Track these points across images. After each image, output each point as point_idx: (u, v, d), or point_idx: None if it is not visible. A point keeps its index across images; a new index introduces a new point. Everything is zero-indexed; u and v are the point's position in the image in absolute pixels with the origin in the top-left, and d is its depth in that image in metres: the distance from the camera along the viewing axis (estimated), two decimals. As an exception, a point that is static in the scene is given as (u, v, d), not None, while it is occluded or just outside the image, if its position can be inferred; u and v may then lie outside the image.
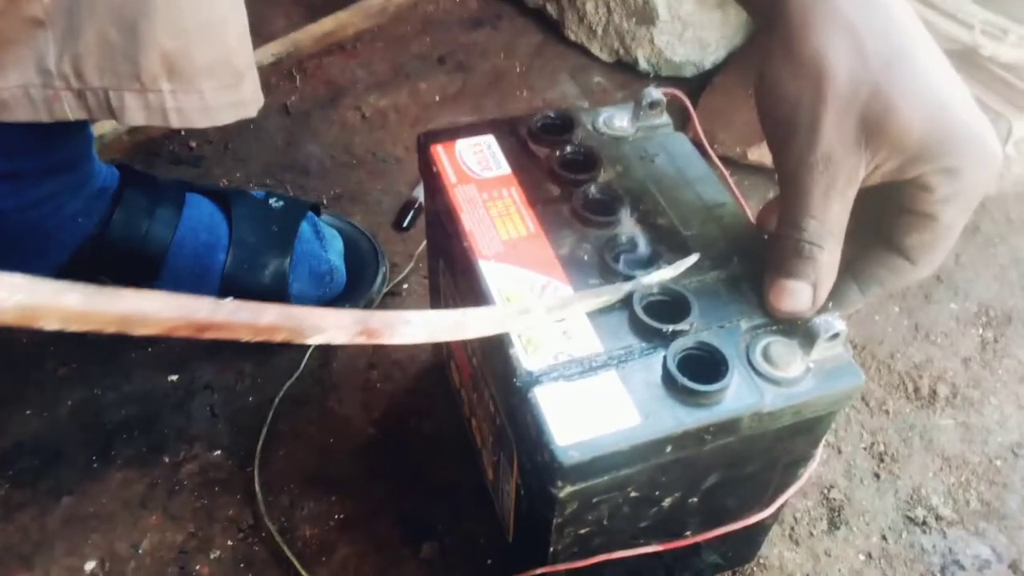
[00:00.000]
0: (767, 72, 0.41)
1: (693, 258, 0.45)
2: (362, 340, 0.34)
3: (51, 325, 0.25)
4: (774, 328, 0.42)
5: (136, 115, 0.53)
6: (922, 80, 0.39)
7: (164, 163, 0.89)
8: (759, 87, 0.42)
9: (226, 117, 0.56)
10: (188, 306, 0.27)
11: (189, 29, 0.51)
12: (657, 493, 0.43)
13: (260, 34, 1.02)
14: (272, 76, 0.99)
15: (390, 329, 0.35)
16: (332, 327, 0.32)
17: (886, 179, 0.40)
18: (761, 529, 0.56)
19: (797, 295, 0.42)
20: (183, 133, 0.92)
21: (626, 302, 0.42)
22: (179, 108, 0.53)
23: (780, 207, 0.42)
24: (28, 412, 0.67)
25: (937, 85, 0.39)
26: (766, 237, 0.47)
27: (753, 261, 0.46)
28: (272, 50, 1.00)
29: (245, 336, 0.29)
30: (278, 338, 0.31)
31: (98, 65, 0.50)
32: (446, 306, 0.58)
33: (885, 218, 0.42)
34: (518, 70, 1.06)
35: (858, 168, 0.39)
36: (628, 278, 0.44)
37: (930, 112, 0.38)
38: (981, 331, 0.79)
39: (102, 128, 0.85)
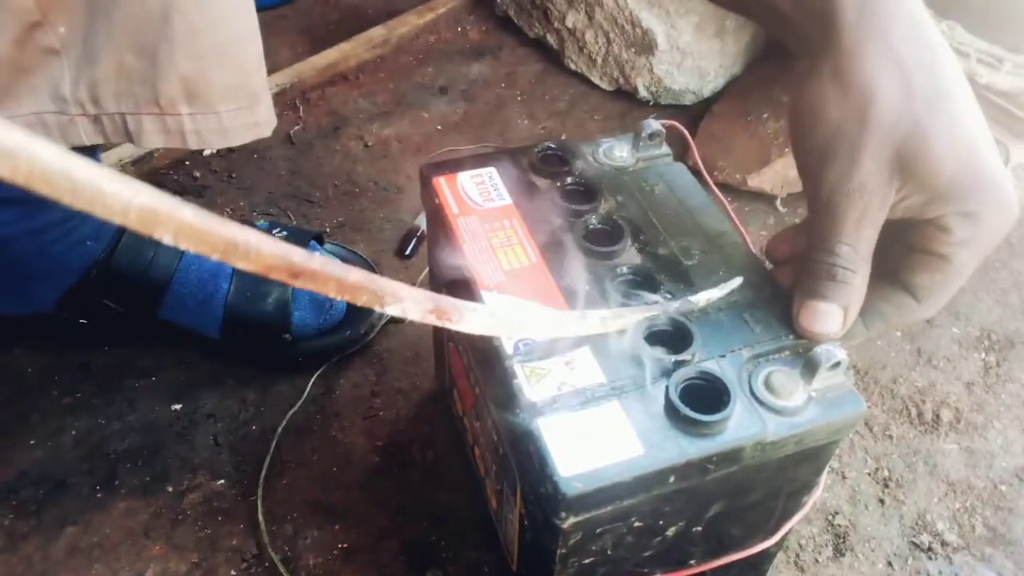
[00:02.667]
0: (810, 94, 0.41)
1: (738, 280, 0.45)
2: (432, 319, 0.35)
3: (166, 235, 0.25)
4: (776, 357, 0.43)
5: (154, 139, 0.53)
6: (959, 122, 0.39)
7: (169, 192, 0.89)
8: (797, 108, 0.42)
9: (242, 138, 0.56)
10: (286, 249, 0.28)
11: (208, 53, 0.51)
12: (661, 523, 0.43)
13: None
14: (276, 106, 1.00)
15: (458, 313, 0.36)
16: (409, 299, 0.33)
17: (907, 215, 0.41)
18: (766, 557, 0.56)
19: (829, 317, 0.42)
20: (187, 164, 0.92)
21: (630, 332, 0.43)
22: (197, 130, 0.54)
23: (810, 231, 0.43)
24: (32, 441, 0.67)
25: (971, 129, 0.39)
26: (774, 266, 0.48)
27: (754, 290, 0.46)
28: (276, 81, 1.01)
29: (331, 291, 0.30)
30: (360, 299, 0.32)
31: (115, 91, 0.51)
32: (448, 334, 0.59)
33: (895, 255, 0.43)
34: (519, 99, 1.07)
35: (888, 199, 0.40)
36: (652, 301, 0.44)
37: (962, 155, 0.39)
38: (984, 355, 0.79)
39: (107, 159, 0.86)
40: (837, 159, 0.40)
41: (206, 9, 0.50)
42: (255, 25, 0.54)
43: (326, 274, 0.30)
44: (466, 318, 0.36)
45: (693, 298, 0.44)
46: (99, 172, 0.24)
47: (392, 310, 0.33)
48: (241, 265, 0.27)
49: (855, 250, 0.41)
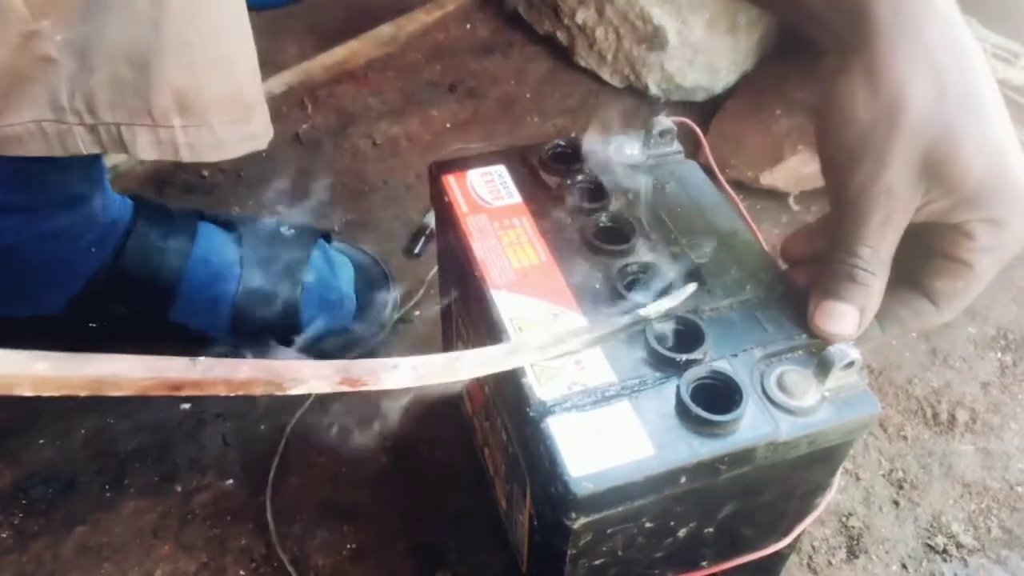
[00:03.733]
0: (840, 93, 0.40)
1: (691, 287, 0.44)
2: (345, 388, 0.34)
3: (24, 392, 0.25)
4: (788, 357, 0.42)
5: (148, 150, 0.53)
6: (988, 126, 0.39)
7: (176, 191, 0.89)
8: (826, 107, 0.41)
9: (236, 151, 0.56)
10: (160, 367, 0.27)
11: (199, 64, 0.51)
12: (672, 523, 0.43)
13: (272, 63, 1.04)
14: (284, 105, 1.00)
15: (373, 377, 0.35)
16: (312, 377, 0.32)
17: (930, 219, 0.40)
18: (779, 559, 0.55)
19: (845, 318, 0.42)
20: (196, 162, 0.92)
21: (640, 332, 0.42)
22: (190, 143, 0.53)
23: (833, 231, 0.42)
24: (41, 441, 0.67)
25: (999, 134, 0.39)
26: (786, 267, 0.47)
27: (766, 288, 0.45)
28: (284, 79, 1.01)
29: (222, 392, 0.29)
30: (256, 391, 0.31)
31: (110, 101, 0.51)
32: (458, 333, 0.58)
33: (915, 259, 0.42)
34: (528, 96, 1.07)
35: (913, 203, 0.39)
36: (630, 310, 0.43)
37: (990, 161, 0.38)
38: (1000, 355, 0.78)
39: (116, 158, 0.86)
40: (865, 161, 0.39)
41: (197, 19, 0.50)
42: (248, 35, 0.53)
43: (211, 380, 0.29)
44: (383, 378, 0.36)
45: (643, 311, 0.42)
46: None
47: (296, 392, 0.32)
48: (115, 394, 0.27)
49: (876, 253, 0.40)
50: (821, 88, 0.41)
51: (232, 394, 0.29)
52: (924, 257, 0.42)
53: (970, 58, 0.39)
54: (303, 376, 0.32)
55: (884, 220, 0.40)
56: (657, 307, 0.43)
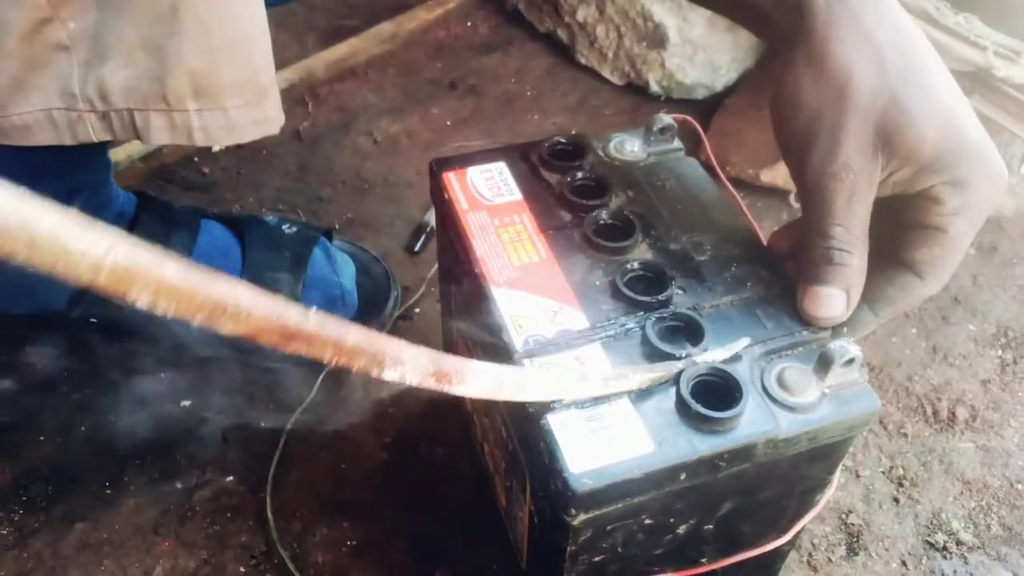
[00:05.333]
0: (788, 82, 0.41)
1: (745, 341, 0.42)
2: (431, 383, 0.33)
3: (142, 297, 0.21)
4: (788, 353, 0.42)
5: (161, 135, 0.53)
6: (935, 94, 0.40)
7: (177, 189, 0.89)
8: (778, 97, 0.42)
9: (249, 134, 0.56)
10: (279, 310, 0.25)
11: (216, 48, 0.51)
12: (672, 520, 0.43)
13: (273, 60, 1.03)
14: (284, 102, 0.99)
15: (459, 376, 0.34)
16: (409, 361, 0.31)
17: (897, 190, 0.41)
18: (778, 556, 0.55)
19: (832, 301, 0.42)
20: (196, 160, 0.92)
21: (639, 328, 0.42)
22: (204, 127, 0.53)
23: (804, 217, 0.43)
24: (42, 438, 0.67)
25: (948, 100, 0.40)
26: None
27: (766, 285, 0.45)
28: (285, 76, 1.01)
29: (328, 354, 0.28)
30: (357, 363, 0.29)
31: (124, 87, 0.51)
32: (456, 330, 0.58)
33: (894, 236, 0.43)
34: (529, 94, 1.06)
35: (875, 176, 0.40)
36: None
37: (943, 125, 0.39)
38: (1000, 353, 0.78)
39: (116, 155, 0.86)
40: (819, 141, 0.40)
41: (214, 3, 0.50)
42: (264, 20, 0.54)
43: (323, 337, 0.27)
44: (468, 380, 0.35)
45: (698, 358, 0.41)
46: (65, 223, 0.20)
47: (391, 375, 0.30)
48: (227, 328, 0.24)
49: (849, 230, 0.41)
50: (772, 83, 0.43)
51: (336, 360, 0.27)
52: (900, 231, 0.42)
53: (908, 35, 0.40)
54: (403, 358, 0.30)
55: (849, 196, 0.40)
56: (714, 355, 0.41)
